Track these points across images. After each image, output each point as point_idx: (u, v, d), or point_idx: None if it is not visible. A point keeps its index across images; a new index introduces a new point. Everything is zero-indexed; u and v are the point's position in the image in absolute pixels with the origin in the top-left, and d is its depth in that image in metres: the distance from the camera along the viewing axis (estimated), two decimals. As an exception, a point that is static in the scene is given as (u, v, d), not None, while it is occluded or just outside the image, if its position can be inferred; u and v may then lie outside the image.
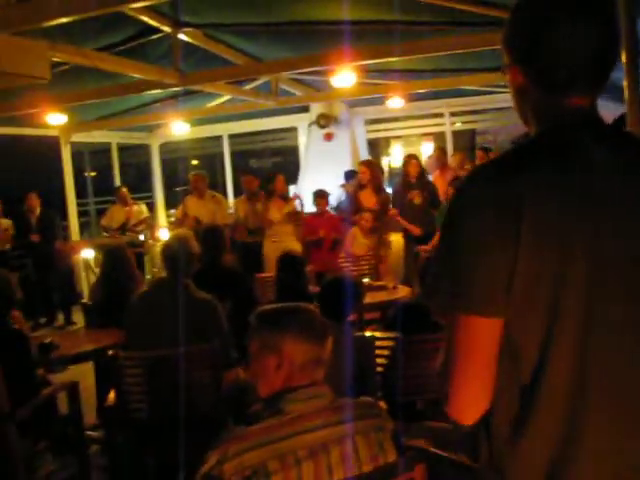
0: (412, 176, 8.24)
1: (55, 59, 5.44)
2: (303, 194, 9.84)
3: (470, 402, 1.35)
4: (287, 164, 13.94)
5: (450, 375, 1.33)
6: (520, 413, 1.32)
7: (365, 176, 8.02)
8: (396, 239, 8.27)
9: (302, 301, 3.89)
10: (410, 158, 8.49)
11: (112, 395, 4.15)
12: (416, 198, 8.03)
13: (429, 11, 5.96)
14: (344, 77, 7.37)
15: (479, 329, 1.30)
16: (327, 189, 8.85)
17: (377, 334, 3.68)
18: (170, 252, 4.18)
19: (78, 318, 9.42)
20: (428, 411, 3.55)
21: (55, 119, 8.19)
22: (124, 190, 10.43)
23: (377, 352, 3.61)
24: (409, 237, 8.17)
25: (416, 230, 8.03)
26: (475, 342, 1.31)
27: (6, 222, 9.72)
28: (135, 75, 6.57)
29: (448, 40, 6.55)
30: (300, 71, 8.40)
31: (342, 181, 10.36)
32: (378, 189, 8.05)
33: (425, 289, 1.35)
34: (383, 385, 3.63)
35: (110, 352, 3.88)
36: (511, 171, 1.31)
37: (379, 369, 3.64)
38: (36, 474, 4.38)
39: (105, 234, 10.39)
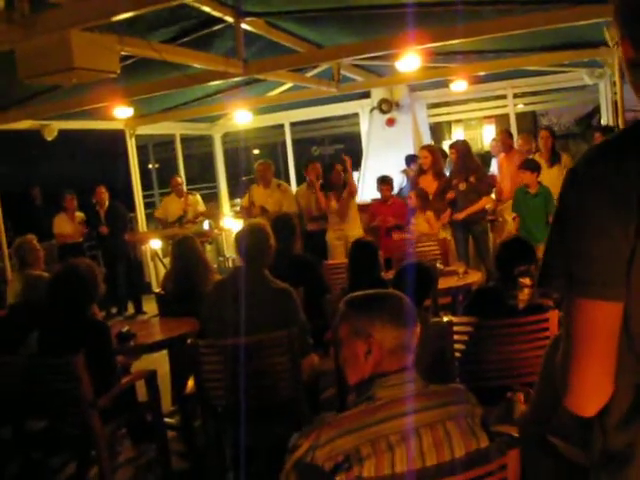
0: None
1: (123, 53, 5.50)
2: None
3: (591, 391, 1.29)
4: (349, 151, 13.85)
5: (570, 363, 1.29)
6: (631, 409, 1.28)
7: (427, 161, 7.95)
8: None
9: (377, 287, 3.90)
10: (452, 146, 8.32)
11: (191, 383, 4.22)
12: (461, 184, 7.89)
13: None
14: (408, 61, 7.29)
15: (600, 313, 1.26)
16: (390, 175, 8.80)
17: (454, 319, 3.64)
18: (246, 242, 4.18)
19: (147, 308, 9.63)
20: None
21: (122, 112, 8.32)
22: (179, 180, 10.50)
23: (455, 337, 3.57)
24: (457, 223, 8.01)
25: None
26: (596, 327, 1.27)
27: (80, 215, 9.94)
28: (199, 66, 6.61)
29: (512, 20, 6.41)
30: (362, 57, 8.34)
31: (404, 166, 10.31)
32: (439, 174, 7.97)
33: (540, 273, 1.31)
34: (461, 370, 3.59)
35: (189, 341, 3.93)
36: (630, 151, 1.27)
37: (457, 354, 3.59)
38: (117, 459, 4.49)
39: (160, 226, 10.51)
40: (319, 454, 1.98)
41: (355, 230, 8.20)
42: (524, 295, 3.60)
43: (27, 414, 4.01)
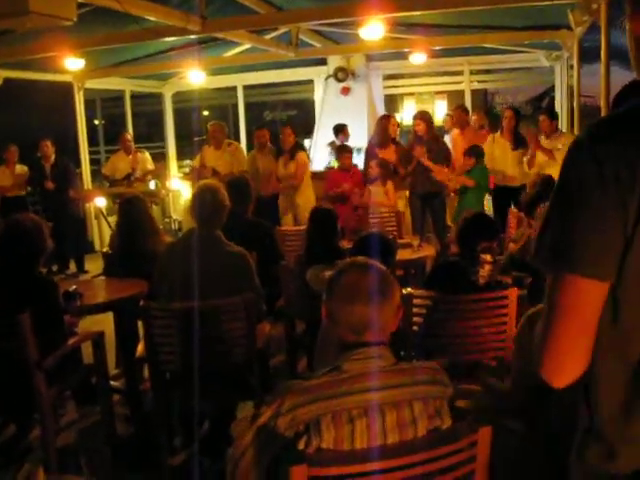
0: (420, 134, 8.09)
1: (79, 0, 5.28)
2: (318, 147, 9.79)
3: (564, 364, 1.32)
4: (302, 117, 13.77)
5: (546, 335, 1.31)
6: (631, 395, 1.29)
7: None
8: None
9: (333, 255, 3.86)
10: (417, 117, 8.32)
11: (141, 346, 4.11)
12: (422, 156, 7.90)
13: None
14: (372, 29, 7.20)
15: (582, 290, 1.27)
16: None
17: (414, 292, 3.62)
18: (201, 203, 4.07)
19: (89, 267, 9.42)
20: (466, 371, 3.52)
21: (72, 64, 8.04)
22: (128, 136, 10.26)
23: (414, 311, 3.55)
24: (416, 194, 8.05)
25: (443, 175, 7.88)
26: (576, 303, 1.28)
27: (21, 168, 9.62)
28: (158, 20, 6.40)
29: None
30: (322, 22, 8.22)
31: (359, 138, 10.25)
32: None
33: (534, 246, 1.30)
34: (419, 344, 3.58)
35: (141, 303, 3.82)
36: (632, 131, 1.25)
37: (414, 328, 3.58)
38: (61, 421, 4.37)
39: (106, 183, 10.27)
40: (281, 422, 1.96)
41: (306, 198, 8.15)
42: (485, 271, 3.61)
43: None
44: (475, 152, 7.46)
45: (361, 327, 2.07)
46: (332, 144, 10.02)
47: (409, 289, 3.68)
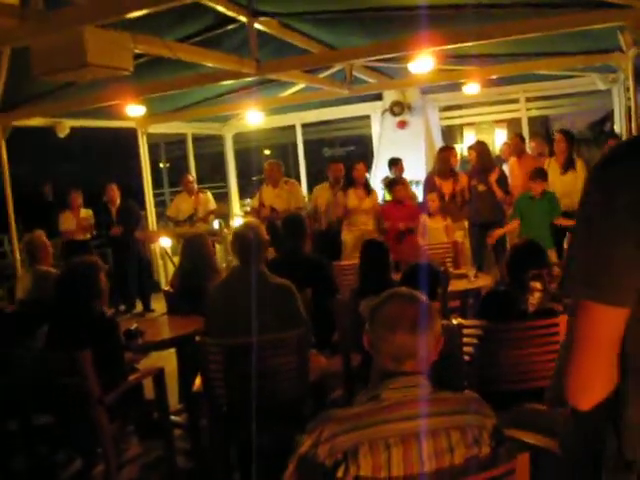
0: (473, 163, 8.09)
1: (137, 51, 5.51)
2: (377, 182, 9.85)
3: (586, 386, 1.34)
4: (360, 153, 13.87)
5: (570, 359, 1.34)
6: None
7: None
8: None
9: (386, 288, 3.88)
10: (472, 147, 8.34)
11: (198, 381, 4.21)
12: (480, 185, 7.88)
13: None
14: (422, 63, 7.27)
15: (602, 316, 1.30)
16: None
17: (464, 322, 3.62)
18: (242, 240, 4.20)
19: (156, 305, 9.64)
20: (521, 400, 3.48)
21: (134, 110, 8.34)
22: (190, 178, 10.53)
23: (465, 340, 3.55)
24: (475, 224, 8.02)
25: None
26: (597, 328, 1.31)
27: (86, 212, 9.97)
28: (213, 65, 6.62)
29: (526, 23, 6.38)
30: (374, 58, 8.32)
31: (417, 170, 10.29)
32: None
33: (562, 277, 1.33)
34: (470, 374, 3.57)
35: (197, 338, 3.93)
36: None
37: (466, 358, 3.57)
38: (123, 456, 4.48)
39: (170, 224, 10.52)
40: (321, 450, 1.99)
41: (371, 232, 8.14)
42: (535, 299, 3.58)
43: (34, 408, 4.00)
44: (541, 175, 7.29)
45: (402, 356, 2.10)
46: (385, 179, 10.06)
47: (459, 319, 3.69)
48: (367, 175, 8.80)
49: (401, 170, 9.51)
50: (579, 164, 7.93)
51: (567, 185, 7.56)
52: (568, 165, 7.75)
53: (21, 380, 3.95)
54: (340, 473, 1.97)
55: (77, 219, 9.85)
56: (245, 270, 4.14)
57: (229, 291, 4.13)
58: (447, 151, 8.62)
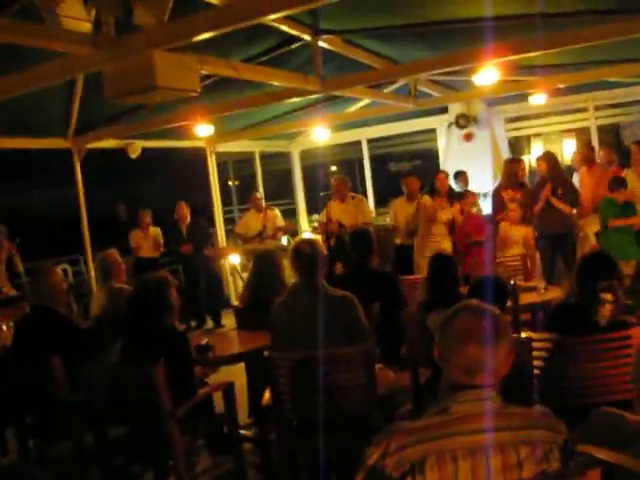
0: (543, 174, 7.97)
1: (203, 72, 5.65)
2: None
3: None
4: (427, 167, 13.81)
5: None
6: None
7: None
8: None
9: (454, 302, 3.86)
10: (539, 158, 8.24)
11: (267, 395, 4.26)
12: (550, 197, 7.76)
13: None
14: (486, 75, 7.22)
15: None
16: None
17: (533, 335, 3.56)
18: (300, 255, 4.26)
19: (226, 321, 9.78)
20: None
21: (203, 130, 8.52)
22: (258, 195, 10.68)
23: (535, 354, 3.50)
24: (544, 236, 7.89)
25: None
26: None
27: (154, 230, 10.22)
28: (278, 83, 6.72)
29: (592, 30, 6.27)
30: (438, 72, 8.31)
31: (486, 182, 10.20)
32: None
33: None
34: (540, 388, 3.51)
35: (265, 353, 3.98)
36: None
37: (536, 372, 3.52)
38: (194, 469, 4.56)
39: (240, 241, 10.66)
40: (389, 462, 2.00)
41: (444, 243, 8.12)
42: (606, 311, 3.50)
43: (109, 422, 4.12)
44: (620, 183, 7.21)
45: (472, 369, 2.08)
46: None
47: (529, 332, 3.64)
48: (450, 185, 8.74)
49: (466, 182, 9.46)
50: None
51: None
52: None
53: (97, 394, 4.07)
54: None
55: (146, 236, 10.11)
56: (304, 285, 4.19)
57: (290, 306, 4.19)
58: (515, 163, 8.53)
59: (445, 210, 8.25)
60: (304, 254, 4.24)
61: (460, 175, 9.68)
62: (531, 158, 14.32)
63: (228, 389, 4.40)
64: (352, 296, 4.17)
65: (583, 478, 1.98)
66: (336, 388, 3.77)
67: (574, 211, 7.88)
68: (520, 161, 8.87)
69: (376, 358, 4.22)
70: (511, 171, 8.28)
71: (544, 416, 2.10)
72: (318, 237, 10.20)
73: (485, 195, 9.98)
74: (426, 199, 8.41)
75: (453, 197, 8.33)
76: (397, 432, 2.05)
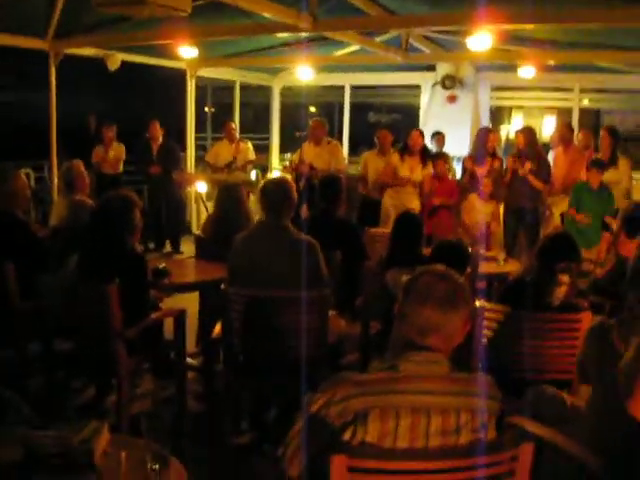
0: (520, 147, 8.00)
1: (196, -8, 5.50)
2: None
3: None
4: (406, 122, 13.74)
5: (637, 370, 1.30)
6: None
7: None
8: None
9: (414, 262, 3.89)
10: (519, 131, 8.25)
11: (218, 328, 4.27)
12: (521, 170, 7.79)
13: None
14: (480, 39, 7.15)
15: None
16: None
17: (487, 305, 3.62)
18: (269, 194, 4.20)
19: (184, 248, 9.74)
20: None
21: (186, 52, 8.33)
22: (232, 125, 10.50)
23: (485, 324, 3.55)
24: (510, 209, 7.96)
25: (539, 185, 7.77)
26: None
27: (118, 146, 10.05)
28: (270, 16, 6.57)
29: (591, 12, 6.24)
30: (433, 28, 8.22)
31: (461, 146, 10.19)
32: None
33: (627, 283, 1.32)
34: (485, 357, 3.58)
35: (222, 286, 3.98)
36: None
37: (484, 341, 3.58)
38: (135, 391, 4.58)
39: (208, 169, 10.55)
40: (332, 410, 2.05)
41: (413, 202, 8.06)
42: (561, 292, 3.57)
43: (57, 334, 4.10)
44: (598, 165, 7.22)
45: (426, 330, 2.13)
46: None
47: (482, 301, 3.69)
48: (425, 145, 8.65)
49: (442, 143, 9.43)
50: (622, 162, 7.80)
51: (610, 181, 7.46)
52: (610, 162, 7.64)
53: (48, 305, 4.03)
54: (347, 435, 2.02)
55: (108, 152, 9.95)
56: (269, 224, 4.17)
57: (252, 244, 4.15)
58: (485, 133, 8.45)
59: (416, 171, 8.21)
60: (273, 193, 4.19)
61: (437, 136, 9.65)
62: (509, 129, 14.36)
63: (180, 316, 4.39)
64: (315, 242, 4.15)
65: (516, 450, 2.03)
66: (288, 330, 3.80)
67: (545, 187, 7.93)
68: (491, 131, 8.82)
69: (330, 305, 4.25)
70: (481, 140, 8.25)
71: (487, 385, 2.15)
72: (288, 177, 10.20)
73: (460, 159, 9.98)
74: (394, 157, 8.35)
75: (427, 157, 8.27)
76: (345, 382, 2.08)
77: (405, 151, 8.31)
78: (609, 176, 7.49)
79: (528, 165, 7.66)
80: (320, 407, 2.08)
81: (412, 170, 8.22)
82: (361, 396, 2.03)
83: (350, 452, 1.93)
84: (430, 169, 8.09)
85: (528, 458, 2.01)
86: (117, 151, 10.04)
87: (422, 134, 8.54)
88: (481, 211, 7.44)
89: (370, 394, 2.03)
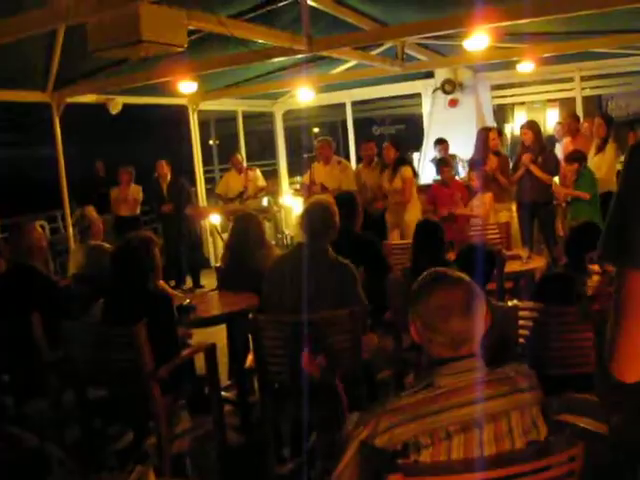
0: (528, 143, 7.96)
1: (191, 27, 5.50)
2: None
3: (633, 358, 1.34)
4: (411, 131, 13.74)
5: (615, 331, 1.35)
6: None
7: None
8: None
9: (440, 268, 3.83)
10: (525, 126, 8.21)
11: (250, 358, 4.23)
12: (524, 162, 7.75)
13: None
14: (476, 40, 7.13)
15: None
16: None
17: (520, 304, 3.56)
18: (311, 217, 4.17)
19: (205, 281, 9.73)
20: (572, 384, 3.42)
21: (186, 87, 8.37)
22: (239, 157, 10.59)
23: (520, 323, 3.49)
24: (522, 205, 7.90)
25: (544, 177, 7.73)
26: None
27: (135, 187, 10.09)
28: (266, 42, 6.59)
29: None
30: (426, 35, 8.20)
31: (468, 149, 10.14)
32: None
33: (599, 244, 1.32)
34: (524, 356, 3.51)
35: (250, 315, 3.94)
36: None
37: (521, 340, 3.52)
38: (174, 430, 4.54)
39: (220, 202, 10.56)
40: (379, 441, 1.98)
41: (413, 214, 8.08)
42: (593, 282, 3.51)
43: (89, 382, 4.07)
44: (576, 157, 7.29)
45: (457, 342, 2.05)
46: (434, 159, 9.98)
47: (515, 301, 3.63)
48: (398, 155, 8.58)
49: (446, 150, 9.42)
50: (609, 147, 7.78)
51: (594, 166, 7.47)
52: (601, 148, 7.66)
53: (77, 353, 4.01)
54: (400, 461, 1.95)
55: (125, 194, 9.99)
56: (309, 247, 4.12)
57: (289, 267, 4.11)
58: (484, 132, 8.45)
59: (394, 181, 8.20)
60: (314, 216, 4.16)
61: (442, 144, 9.65)
62: (514, 126, 14.31)
63: (210, 350, 4.36)
64: (352, 266, 4.11)
65: (572, 450, 1.96)
66: (323, 351, 3.74)
67: (554, 180, 7.89)
68: (490, 129, 8.77)
69: (367, 326, 4.21)
70: (481, 140, 8.22)
71: (528, 377, 2.09)
72: (300, 199, 10.19)
73: (467, 162, 9.94)
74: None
75: (437, 165, 8.29)
76: (384, 412, 2.01)
77: (385, 165, 8.45)
78: (596, 161, 7.52)
79: (528, 156, 7.62)
80: (366, 437, 2.02)
81: (391, 182, 8.27)
82: (405, 423, 1.95)
83: (406, 471, 1.87)
84: (405, 175, 8.16)
85: (582, 457, 1.95)
86: (135, 192, 10.08)
87: (394, 145, 8.57)
88: (476, 206, 7.40)
89: (413, 419, 1.96)
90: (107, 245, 5.83)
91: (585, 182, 7.19)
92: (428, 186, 8.97)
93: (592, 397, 3.28)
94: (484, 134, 8.31)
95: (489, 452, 1.94)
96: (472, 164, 8.25)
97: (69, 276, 6.05)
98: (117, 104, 9.22)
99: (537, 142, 7.79)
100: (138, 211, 10.22)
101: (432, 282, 2.14)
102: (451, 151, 9.88)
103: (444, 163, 8.19)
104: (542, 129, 14.93)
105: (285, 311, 3.93)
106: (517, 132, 13.38)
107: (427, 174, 10.63)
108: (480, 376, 2.03)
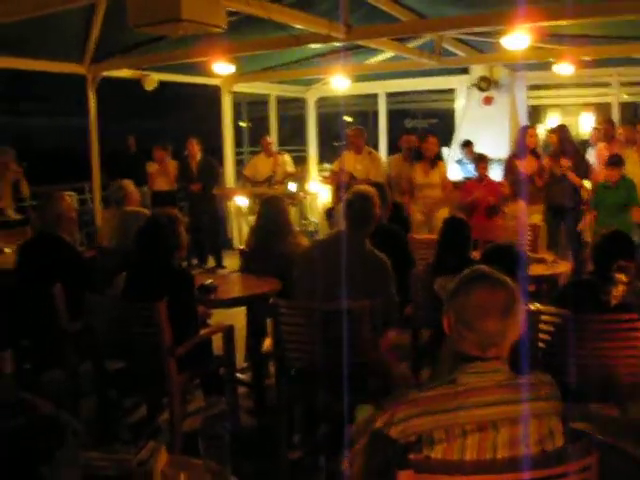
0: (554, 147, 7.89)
1: (229, 9, 5.50)
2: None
3: None
4: (442, 126, 13.62)
5: None
6: None
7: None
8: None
9: (464, 266, 3.80)
10: (551, 131, 8.15)
11: (267, 342, 4.24)
12: (557, 169, 7.67)
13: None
14: (516, 39, 7.04)
15: None
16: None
17: (542, 308, 3.53)
18: (353, 207, 4.15)
19: (227, 262, 9.76)
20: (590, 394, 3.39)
21: (222, 69, 8.35)
22: (268, 139, 10.56)
23: (542, 327, 3.46)
24: (550, 208, 7.84)
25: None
26: None
27: (174, 163, 10.10)
28: (303, 27, 6.57)
29: (627, 3, 6.10)
30: (465, 31, 8.14)
31: (499, 149, 10.08)
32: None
33: None
34: (543, 362, 3.48)
35: (271, 300, 3.95)
36: None
37: (541, 345, 3.49)
38: (188, 407, 4.57)
39: (248, 184, 10.57)
40: (393, 431, 1.98)
41: (445, 210, 8.04)
42: (618, 291, 3.46)
43: (108, 354, 4.11)
44: (616, 161, 7.18)
45: (488, 343, 2.03)
46: (460, 161, 9.95)
47: (537, 305, 3.60)
48: (439, 150, 8.67)
49: (472, 152, 9.37)
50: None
51: (632, 174, 7.36)
52: None
53: (97, 325, 4.05)
54: (412, 454, 1.95)
55: (165, 169, 10.00)
56: (348, 236, 4.09)
57: (324, 254, 4.09)
58: (523, 130, 8.39)
59: (430, 174, 8.25)
60: (355, 206, 4.15)
61: (467, 147, 9.61)
62: (546, 128, 14.14)
63: (228, 332, 4.39)
64: (387, 261, 4.10)
65: (585, 460, 1.95)
66: (341, 341, 3.74)
67: (585, 183, 7.82)
68: (529, 128, 8.69)
69: (395, 321, 4.20)
70: (520, 138, 8.17)
71: (550, 386, 2.08)
72: (328, 187, 10.17)
73: (500, 161, 9.86)
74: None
75: (476, 161, 8.27)
76: (403, 402, 2.01)
77: (418, 157, 8.43)
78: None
79: (566, 162, 7.56)
80: (380, 427, 2.02)
81: (425, 175, 8.27)
82: (422, 415, 1.95)
83: (417, 467, 1.87)
84: (442, 170, 8.27)
85: (596, 466, 1.93)
86: (173, 167, 10.09)
87: (439, 140, 8.59)
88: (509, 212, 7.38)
89: (432, 413, 1.95)
90: (145, 210, 5.86)
91: (627, 187, 7.08)
92: (461, 183, 8.94)
93: (611, 408, 3.27)
94: (522, 133, 8.27)
95: (502, 454, 1.93)
96: (509, 164, 8.18)
97: (95, 246, 6.10)
98: (152, 80, 9.25)
99: (566, 145, 7.72)
100: (175, 186, 10.22)
101: (476, 279, 2.10)
102: (484, 148, 9.77)
103: (481, 160, 8.15)
104: (575, 133, 14.81)
105: (314, 297, 3.92)
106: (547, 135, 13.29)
107: (456, 170, 10.56)
108: (503, 379, 2.02)
